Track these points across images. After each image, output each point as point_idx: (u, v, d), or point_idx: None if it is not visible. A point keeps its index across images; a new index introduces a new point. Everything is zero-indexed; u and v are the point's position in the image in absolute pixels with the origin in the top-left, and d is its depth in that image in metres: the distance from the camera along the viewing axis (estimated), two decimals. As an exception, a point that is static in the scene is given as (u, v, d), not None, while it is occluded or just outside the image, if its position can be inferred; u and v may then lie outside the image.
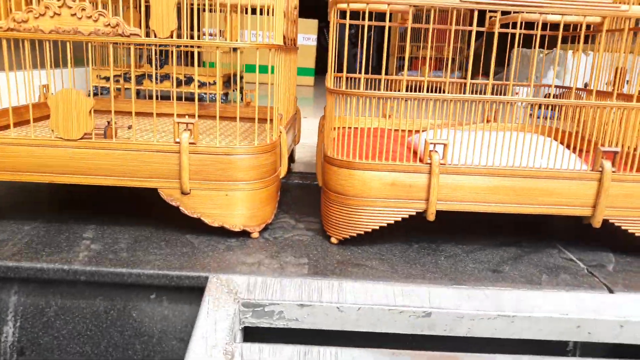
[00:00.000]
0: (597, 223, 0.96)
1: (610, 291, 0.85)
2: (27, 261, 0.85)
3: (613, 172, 0.93)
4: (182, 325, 0.87)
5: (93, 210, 1.09)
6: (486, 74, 4.84)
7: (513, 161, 0.95)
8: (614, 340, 0.81)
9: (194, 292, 0.85)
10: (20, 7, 0.94)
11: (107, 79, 2.58)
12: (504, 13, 1.18)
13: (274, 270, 0.85)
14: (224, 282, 0.81)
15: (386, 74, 4.65)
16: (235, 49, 2.80)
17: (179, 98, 2.58)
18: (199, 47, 1.92)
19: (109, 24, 0.88)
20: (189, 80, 2.62)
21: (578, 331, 0.80)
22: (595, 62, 1.17)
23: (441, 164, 0.92)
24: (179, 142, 0.92)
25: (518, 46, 1.26)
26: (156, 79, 2.56)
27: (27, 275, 0.84)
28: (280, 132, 1.04)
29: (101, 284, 0.86)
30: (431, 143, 0.92)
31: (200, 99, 2.67)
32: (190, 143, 0.92)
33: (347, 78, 1.32)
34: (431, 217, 0.94)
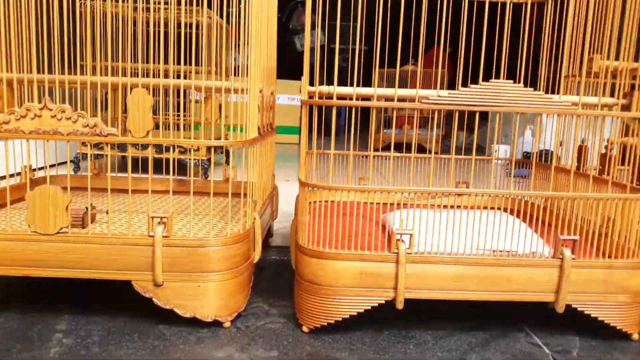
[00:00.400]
0: (560, 308, 0.99)
1: (574, 381, 0.87)
2: (-2, 360, 0.85)
3: (573, 259, 0.97)
4: (152, 421, 0.87)
5: (67, 300, 1.10)
6: (470, 130, 4.97)
7: (477, 246, 0.98)
8: None
9: (165, 387, 0.86)
10: (2, 109, 0.98)
11: (91, 146, 2.62)
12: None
13: (244, 364, 0.87)
14: (194, 380, 0.82)
15: (366, 134, 4.74)
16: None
17: (161, 164, 2.62)
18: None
19: (87, 125, 0.92)
20: (174, 147, 2.66)
21: None
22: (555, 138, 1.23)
23: (407, 254, 0.95)
24: (152, 236, 0.94)
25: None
26: (140, 145, 2.60)
27: (-3, 374, 0.85)
28: (254, 219, 1.07)
29: (72, 380, 0.86)
30: (398, 233, 0.96)
31: (184, 164, 2.71)
32: (163, 236, 0.94)
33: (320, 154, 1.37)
34: (399, 305, 0.96)
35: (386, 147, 4.45)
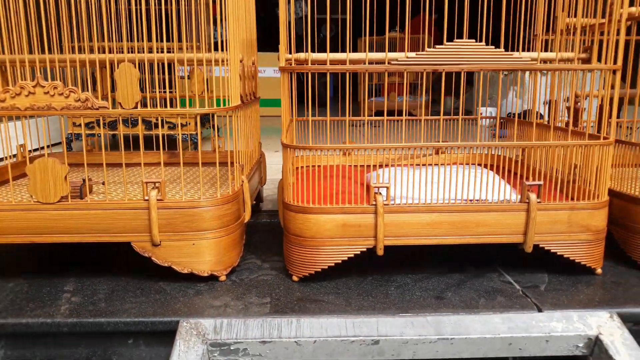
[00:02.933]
0: (528, 248, 1.07)
1: (539, 310, 0.96)
2: (13, 317, 0.93)
3: (538, 202, 1.05)
4: (158, 367, 0.96)
5: (72, 265, 1.18)
6: (456, 95, 5.02)
7: (449, 196, 1.06)
8: (541, 354, 0.92)
9: (168, 335, 0.94)
10: (-3, 86, 1.04)
11: (83, 126, 2.66)
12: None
13: (239, 311, 0.95)
14: (193, 325, 0.90)
15: (356, 102, 4.80)
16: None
17: (151, 140, 2.69)
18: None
19: (79, 99, 0.98)
20: (163, 122, 2.72)
21: (510, 348, 0.91)
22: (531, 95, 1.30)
23: (385, 205, 1.03)
24: (147, 200, 1.01)
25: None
26: (129, 122, 2.65)
27: (13, 330, 0.92)
28: (243, 182, 1.15)
29: (82, 333, 0.94)
30: (375, 187, 1.03)
31: (173, 140, 2.77)
32: (157, 200, 1.01)
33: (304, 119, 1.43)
34: (380, 252, 1.04)
35: (373, 116, 4.51)
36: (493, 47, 1.00)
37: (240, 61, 1.16)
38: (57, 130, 2.83)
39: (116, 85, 0.99)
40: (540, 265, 1.17)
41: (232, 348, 0.88)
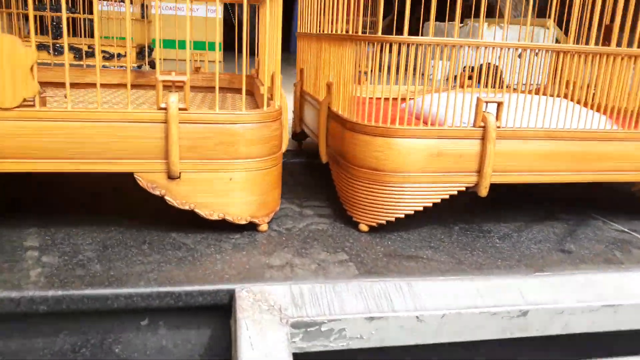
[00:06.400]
0: (653, 189, 0.85)
1: (694, 266, 0.75)
2: (-48, 291, 0.56)
3: (670, 130, 0.83)
4: (187, 358, 0.64)
5: (28, 208, 0.81)
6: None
7: (556, 124, 0.80)
8: None
9: (205, 311, 0.62)
10: None
11: None
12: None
13: (312, 272, 0.64)
14: (259, 295, 0.59)
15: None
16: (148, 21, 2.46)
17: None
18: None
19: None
20: (94, 52, 2.27)
21: (680, 316, 0.68)
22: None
23: (497, 127, 0.75)
24: (165, 109, 0.66)
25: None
26: (55, 50, 2.18)
27: (-47, 311, 0.56)
28: (283, 97, 0.82)
29: (67, 314, 0.60)
30: (485, 102, 0.75)
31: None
32: (180, 109, 0.67)
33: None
34: (484, 192, 0.77)
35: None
36: None
37: None
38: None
39: None
40: (635, 212, 0.95)
41: (322, 329, 0.58)
